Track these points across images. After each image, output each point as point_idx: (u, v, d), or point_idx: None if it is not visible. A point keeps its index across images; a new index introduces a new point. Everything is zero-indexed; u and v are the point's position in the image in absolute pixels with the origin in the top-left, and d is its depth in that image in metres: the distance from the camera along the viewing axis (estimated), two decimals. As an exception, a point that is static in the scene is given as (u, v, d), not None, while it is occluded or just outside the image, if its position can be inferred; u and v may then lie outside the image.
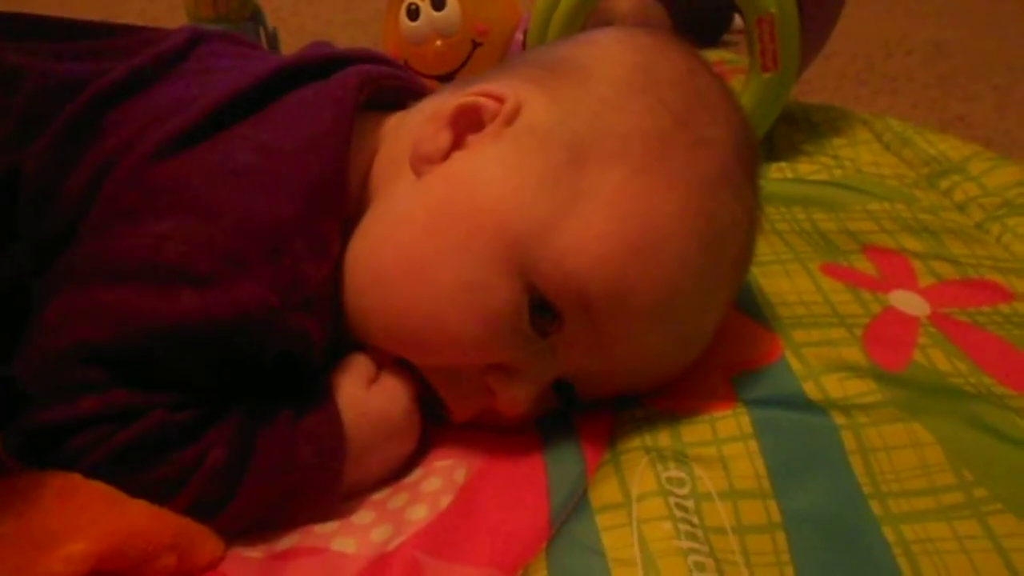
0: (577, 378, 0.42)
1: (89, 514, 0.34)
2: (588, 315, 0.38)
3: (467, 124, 0.42)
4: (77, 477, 0.35)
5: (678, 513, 0.37)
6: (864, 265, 0.55)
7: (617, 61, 0.43)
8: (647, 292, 0.38)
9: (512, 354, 0.40)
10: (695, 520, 0.37)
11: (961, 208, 0.66)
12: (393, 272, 0.41)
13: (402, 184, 0.43)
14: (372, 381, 0.42)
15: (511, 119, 0.41)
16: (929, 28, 1.42)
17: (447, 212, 0.40)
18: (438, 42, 0.84)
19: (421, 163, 0.42)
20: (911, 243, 0.59)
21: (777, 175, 0.72)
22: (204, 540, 0.36)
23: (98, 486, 0.35)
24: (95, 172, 0.40)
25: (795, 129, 0.81)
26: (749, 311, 0.50)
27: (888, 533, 0.36)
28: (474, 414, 0.43)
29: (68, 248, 0.39)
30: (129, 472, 0.36)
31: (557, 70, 0.43)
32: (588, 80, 0.42)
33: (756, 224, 0.44)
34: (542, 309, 0.39)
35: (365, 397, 0.41)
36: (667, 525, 0.36)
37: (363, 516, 0.40)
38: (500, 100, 0.42)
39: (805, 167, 0.74)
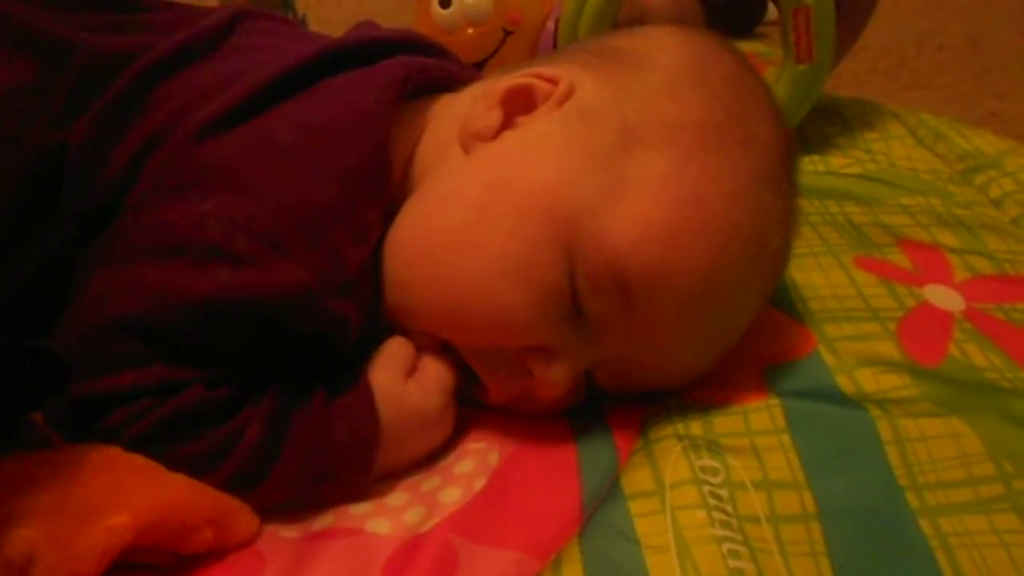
0: (611, 368, 0.42)
1: (130, 487, 0.34)
2: (626, 299, 0.38)
3: (518, 104, 0.42)
4: (117, 450, 0.36)
5: (712, 501, 0.37)
6: (898, 258, 0.55)
7: (671, 53, 0.43)
8: (685, 280, 0.38)
9: (553, 335, 0.40)
10: (729, 509, 0.37)
11: (996, 204, 0.65)
12: (442, 245, 0.41)
13: (450, 163, 0.43)
14: (410, 371, 0.42)
15: (563, 100, 0.41)
16: (961, 23, 1.40)
17: (497, 189, 0.40)
18: (470, 30, 0.83)
19: (471, 140, 0.42)
20: (946, 237, 0.58)
21: (809, 168, 0.72)
22: (240, 516, 0.37)
23: (138, 460, 0.36)
24: (140, 147, 0.40)
25: (827, 122, 0.80)
26: (782, 304, 0.50)
27: (925, 526, 0.36)
28: (512, 396, 0.43)
29: (111, 223, 0.40)
30: (168, 446, 0.37)
31: (611, 58, 0.43)
32: (641, 68, 0.42)
33: (795, 225, 0.44)
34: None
35: (402, 390, 0.41)
36: (701, 513, 0.36)
37: (397, 498, 0.40)
38: (553, 82, 0.42)
39: (837, 160, 0.73)
